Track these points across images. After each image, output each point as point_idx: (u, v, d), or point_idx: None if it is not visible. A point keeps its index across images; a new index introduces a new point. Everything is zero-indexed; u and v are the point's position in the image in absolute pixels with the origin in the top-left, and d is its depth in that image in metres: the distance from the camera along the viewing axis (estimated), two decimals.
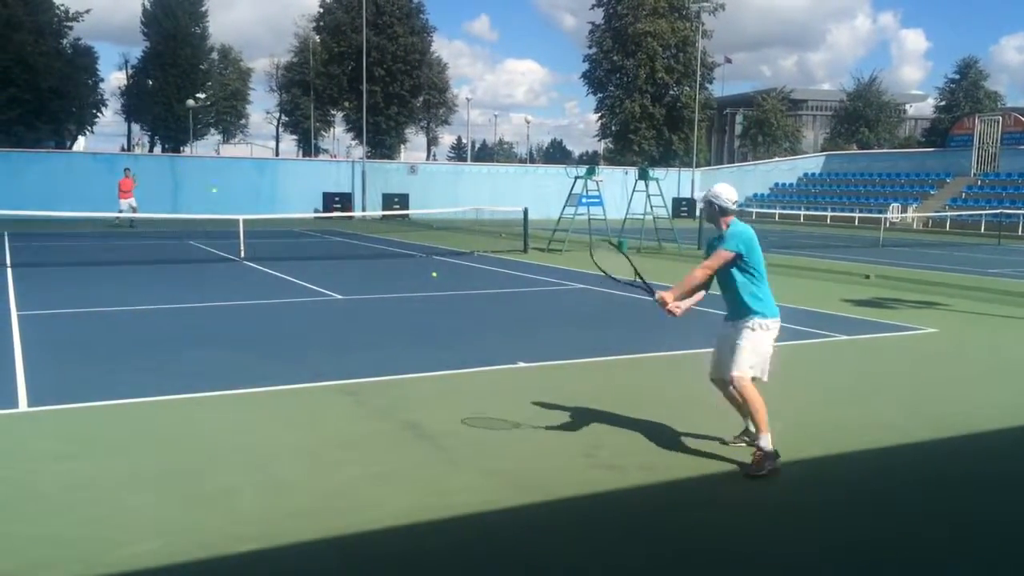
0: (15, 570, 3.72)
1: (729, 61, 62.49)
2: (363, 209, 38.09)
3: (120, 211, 27.79)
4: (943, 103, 70.43)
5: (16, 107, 43.68)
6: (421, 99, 62.70)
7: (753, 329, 5.23)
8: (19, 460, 5.13)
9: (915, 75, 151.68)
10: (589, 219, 23.03)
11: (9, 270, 14.77)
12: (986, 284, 15.87)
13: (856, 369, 8.38)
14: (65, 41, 49.24)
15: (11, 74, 43.13)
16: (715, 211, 5.39)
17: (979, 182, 41.97)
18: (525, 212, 22.49)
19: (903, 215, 40.06)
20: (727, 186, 5.45)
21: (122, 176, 29.02)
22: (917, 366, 8.56)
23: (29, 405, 6.28)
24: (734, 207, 5.39)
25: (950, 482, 5.14)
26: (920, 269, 18.63)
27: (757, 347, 5.23)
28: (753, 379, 5.26)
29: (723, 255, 5.25)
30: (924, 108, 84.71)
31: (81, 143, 57.71)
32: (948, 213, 37.19)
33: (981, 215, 35.48)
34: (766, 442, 5.17)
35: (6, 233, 23.17)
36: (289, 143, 72.32)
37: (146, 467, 5.03)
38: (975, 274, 17.79)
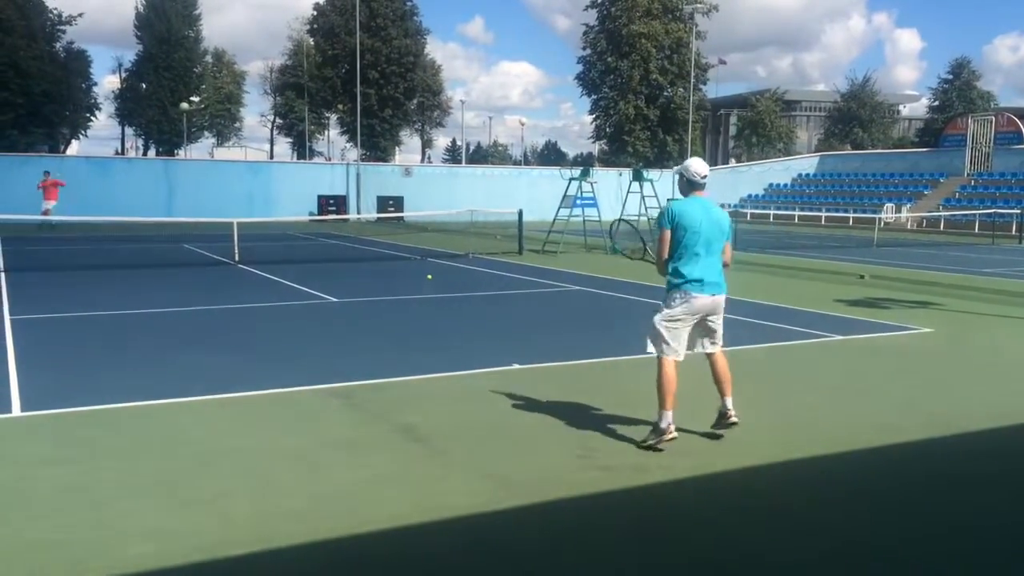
0: (8, 574, 3.70)
1: (723, 62, 62.58)
2: (358, 212, 38.09)
3: (44, 211, 26.75)
4: (936, 103, 70.73)
5: (9, 111, 43.61)
6: (415, 101, 62.77)
7: (659, 310, 5.59)
8: (12, 464, 5.10)
9: (909, 75, 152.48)
10: (584, 221, 23.08)
11: (2, 275, 14.72)
12: (980, 284, 15.91)
13: (851, 369, 8.38)
14: (58, 45, 49.23)
15: (4, 78, 43.07)
16: (683, 183, 5.61)
17: (973, 182, 42.08)
18: (520, 214, 22.51)
19: (897, 215, 40.13)
20: (698, 160, 5.69)
21: (43, 179, 28.20)
22: (912, 366, 8.56)
23: (22, 410, 6.26)
24: (701, 181, 5.56)
25: (946, 481, 5.13)
26: (914, 269, 18.67)
27: (667, 327, 5.50)
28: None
29: (660, 236, 5.54)
30: (918, 108, 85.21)
31: (75, 147, 57.63)
32: (942, 213, 37.25)
33: (975, 215, 35.55)
34: (661, 419, 5.45)
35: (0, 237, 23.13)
36: (283, 146, 72.43)
37: (139, 471, 5.02)
38: (969, 274, 17.83)
